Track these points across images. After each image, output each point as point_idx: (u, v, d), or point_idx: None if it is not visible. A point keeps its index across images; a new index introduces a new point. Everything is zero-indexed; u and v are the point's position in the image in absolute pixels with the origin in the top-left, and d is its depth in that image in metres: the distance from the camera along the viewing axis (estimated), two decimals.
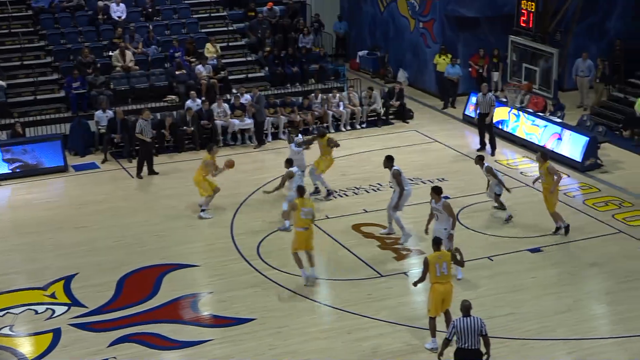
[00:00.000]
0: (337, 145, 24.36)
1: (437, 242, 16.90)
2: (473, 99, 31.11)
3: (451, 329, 14.63)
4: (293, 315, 18.11)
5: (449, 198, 22.28)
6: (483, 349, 14.58)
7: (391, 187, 21.94)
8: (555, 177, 21.27)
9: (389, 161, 21.37)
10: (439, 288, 16.45)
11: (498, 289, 19.06)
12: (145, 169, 26.25)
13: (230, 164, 23.15)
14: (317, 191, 24.41)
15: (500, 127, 28.85)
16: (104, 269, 20.23)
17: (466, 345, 14.49)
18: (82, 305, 18.56)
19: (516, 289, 19.08)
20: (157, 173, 26.38)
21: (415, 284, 17.08)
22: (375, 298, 18.77)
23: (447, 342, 14.74)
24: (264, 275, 19.83)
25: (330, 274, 20.12)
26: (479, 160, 22.80)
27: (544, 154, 21.96)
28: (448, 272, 16.54)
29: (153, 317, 18.06)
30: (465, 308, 14.61)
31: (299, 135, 25.55)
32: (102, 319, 18.02)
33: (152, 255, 20.95)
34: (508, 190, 22.61)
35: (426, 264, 16.51)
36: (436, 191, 19.31)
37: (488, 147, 27.93)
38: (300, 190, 19.43)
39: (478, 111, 28.26)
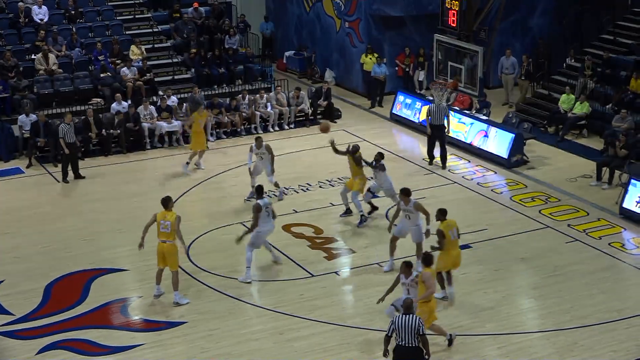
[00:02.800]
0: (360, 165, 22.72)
1: (443, 213, 18.28)
2: (400, 98, 31.32)
3: (390, 325, 14.76)
4: (224, 318, 18.03)
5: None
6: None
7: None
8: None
9: (259, 193, 19.99)
10: (452, 253, 18.14)
11: None
12: (71, 173, 25.90)
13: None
14: (348, 212, 23.01)
15: (425, 124, 28.94)
16: (31, 276, 19.91)
17: (404, 342, 14.61)
18: (9, 313, 18.24)
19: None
20: (83, 177, 26.06)
21: (433, 251, 17.97)
22: (307, 298, 18.77)
23: (387, 339, 14.86)
24: (194, 277, 19.71)
25: (261, 275, 20.08)
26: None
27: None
28: (458, 237, 18.30)
29: (82, 323, 17.83)
30: (407, 306, 14.79)
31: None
32: (30, 327, 17.73)
33: (80, 261, 20.68)
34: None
35: (442, 234, 17.95)
36: (405, 193, 19.51)
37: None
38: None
39: (429, 122, 26.63)
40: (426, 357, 14.72)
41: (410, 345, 14.58)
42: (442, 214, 18.34)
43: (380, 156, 22.62)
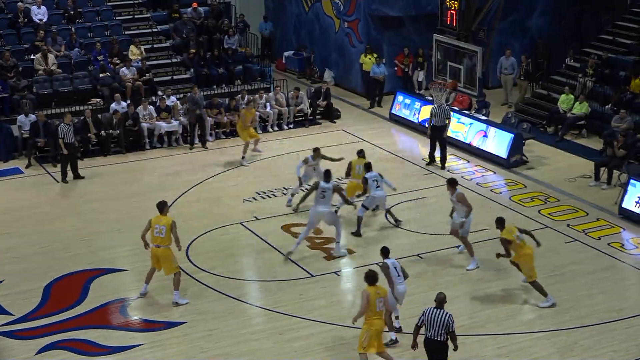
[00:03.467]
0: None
1: (500, 222, 18.36)
2: (400, 98, 31.30)
3: (421, 316, 14.94)
4: (224, 318, 18.02)
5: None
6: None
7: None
8: None
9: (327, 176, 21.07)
10: (526, 252, 18.21)
11: (427, 286, 19.14)
12: (70, 173, 25.88)
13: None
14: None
15: (426, 125, 28.87)
16: (30, 276, 19.90)
17: (430, 335, 14.81)
18: (8, 313, 18.23)
19: (445, 285, 19.18)
20: (82, 177, 26.03)
21: (499, 257, 18.63)
22: (307, 298, 18.76)
23: (417, 329, 15.06)
24: (193, 278, 19.68)
25: (261, 275, 20.08)
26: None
27: None
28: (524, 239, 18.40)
29: (82, 323, 17.82)
30: (439, 300, 14.96)
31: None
32: (29, 327, 17.72)
33: (79, 261, 20.67)
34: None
35: (505, 241, 18.17)
36: (450, 183, 20.04)
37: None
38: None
39: (432, 123, 26.48)
40: (454, 349, 14.93)
41: (437, 339, 14.76)
42: (499, 223, 18.46)
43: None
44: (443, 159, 26.69)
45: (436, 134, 26.57)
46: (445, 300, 15.01)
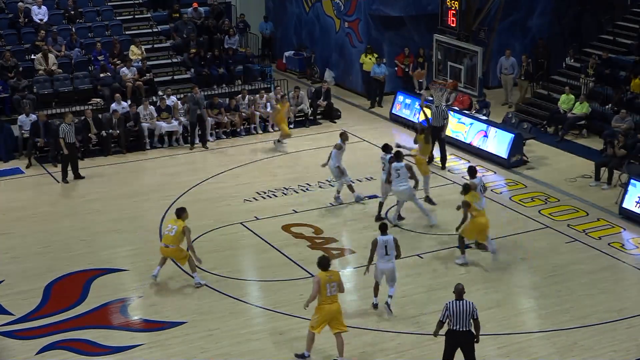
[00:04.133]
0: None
1: (465, 188, 19.92)
2: (400, 98, 31.31)
3: (444, 311, 14.97)
4: (224, 318, 18.03)
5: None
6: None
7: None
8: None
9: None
10: (481, 220, 19.90)
11: (428, 286, 19.18)
12: (70, 173, 25.87)
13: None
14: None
15: (426, 125, 28.80)
16: (30, 276, 19.90)
17: (457, 327, 14.87)
18: (9, 313, 18.23)
19: (445, 285, 19.18)
20: (83, 177, 26.03)
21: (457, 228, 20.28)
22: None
23: (440, 324, 15.10)
24: (194, 277, 19.67)
25: (261, 275, 20.08)
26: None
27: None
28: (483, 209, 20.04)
29: (82, 323, 17.82)
30: (459, 292, 15.05)
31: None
32: (29, 327, 17.73)
33: (80, 261, 20.66)
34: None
35: (467, 204, 19.73)
36: (469, 171, 21.02)
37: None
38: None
39: (429, 123, 26.48)
40: (475, 341, 15.02)
41: (463, 329, 14.85)
42: (464, 189, 19.89)
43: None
44: (443, 159, 26.71)
45: (434, 133, 26.56)
46: (464, 290, 15.12)
